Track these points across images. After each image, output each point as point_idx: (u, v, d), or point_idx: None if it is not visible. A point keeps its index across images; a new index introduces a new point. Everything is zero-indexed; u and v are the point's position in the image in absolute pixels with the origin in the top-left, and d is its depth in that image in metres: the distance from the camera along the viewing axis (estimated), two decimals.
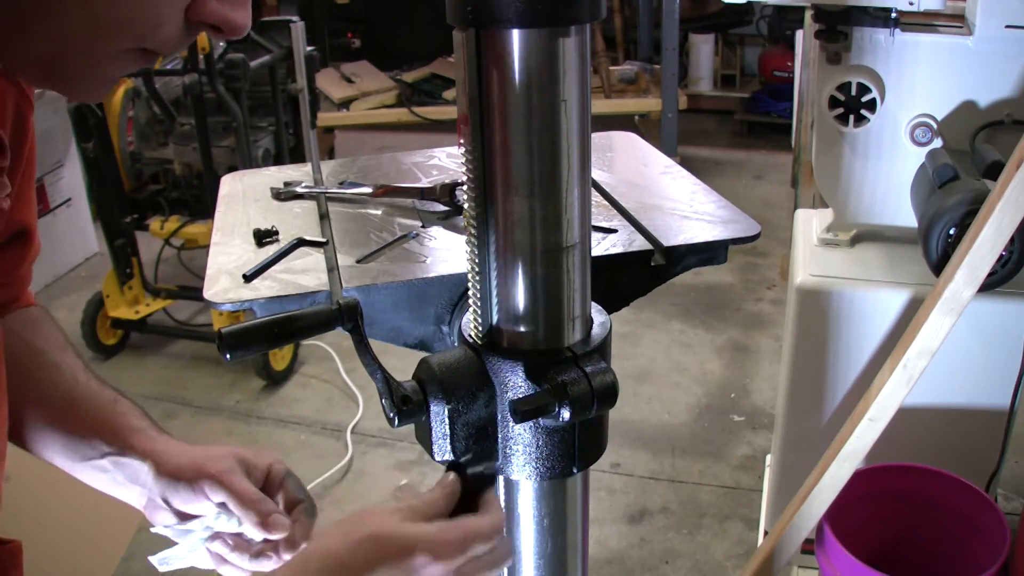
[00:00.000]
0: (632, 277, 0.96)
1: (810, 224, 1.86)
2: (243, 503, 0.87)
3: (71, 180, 3.99)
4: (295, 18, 2.08)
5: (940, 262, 1.48)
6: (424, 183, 1.14)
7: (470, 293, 0.78)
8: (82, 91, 0.65)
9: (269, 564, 0.88)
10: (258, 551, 0.89)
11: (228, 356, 0.73)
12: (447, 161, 1.25)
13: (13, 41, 0.60)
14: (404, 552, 0.70)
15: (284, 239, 1.00)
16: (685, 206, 1.06)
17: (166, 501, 0.89)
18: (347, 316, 0.76)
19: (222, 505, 0.88)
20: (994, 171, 1.46)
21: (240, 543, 0.89)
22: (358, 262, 0.95)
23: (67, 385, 0.92)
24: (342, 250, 0.97)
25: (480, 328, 0.78)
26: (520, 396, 0.75)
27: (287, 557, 0.88)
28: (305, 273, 0.93)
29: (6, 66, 0.65)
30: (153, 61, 0.65)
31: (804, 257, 1.75)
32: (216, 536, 0.89)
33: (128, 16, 0.60)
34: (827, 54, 1.65)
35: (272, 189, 1.16)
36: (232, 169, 2.61)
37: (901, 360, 1.37)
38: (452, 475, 0.79)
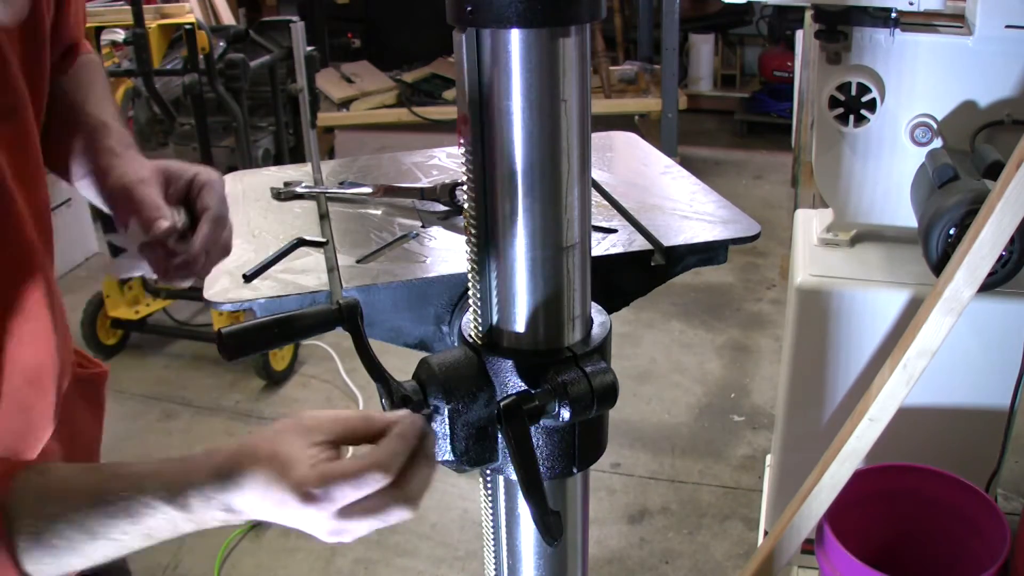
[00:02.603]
0: (632, 277, 0.96)
1: (810, 224, 1.86)
2: (140, 209, 0.85)
3: None
4: (295, 18, 2.08)
5: (940, 262, 1.48)
6: (424, 183, 1.14)
7: (470, 293, 0.78)
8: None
9: (184, 280, 0.87)
10: (174, 265, 0.86)
11: (228, 356, 0.73)
12: (447, 161, 1.25)
13: None
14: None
15: (284, 239, 1.00)
16: (685, 206, 1.06)
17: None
18: (347, 316, 0.76)
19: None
20: (994, 171, 1.46)
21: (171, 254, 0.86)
22: (358, 262, 0.95)
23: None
24: (342, 250, 0.97)
25: (480, 328, 0.78)
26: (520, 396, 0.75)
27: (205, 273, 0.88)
28: (305, 273, 0.93)
29: None
30: None
31: (804, 257, 1.75)
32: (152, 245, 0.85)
33: None
34: (827, 54, 1.65)
35: (272, 189, 1.16)
36: (232, 169, 2.59)
37: (901, 360, 1.37)
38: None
